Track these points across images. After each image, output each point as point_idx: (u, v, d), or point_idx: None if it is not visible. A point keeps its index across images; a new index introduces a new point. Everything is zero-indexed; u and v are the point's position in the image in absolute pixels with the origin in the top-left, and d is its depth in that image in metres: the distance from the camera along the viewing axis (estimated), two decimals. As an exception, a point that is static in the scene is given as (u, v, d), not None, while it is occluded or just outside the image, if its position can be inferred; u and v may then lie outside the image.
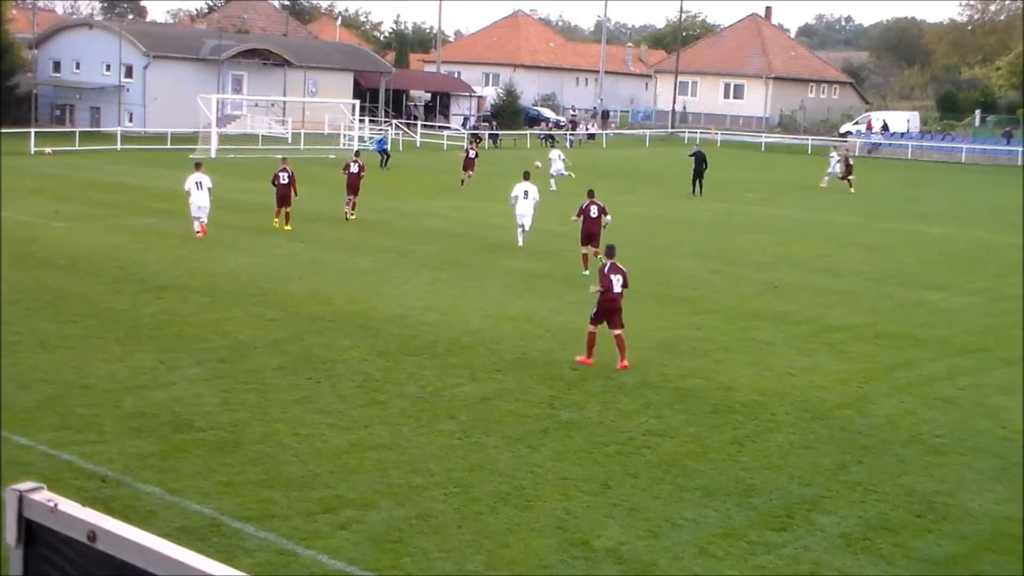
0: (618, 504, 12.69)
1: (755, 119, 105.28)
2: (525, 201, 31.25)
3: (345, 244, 30.79)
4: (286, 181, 32.97)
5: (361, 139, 65.84)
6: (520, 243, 31.46)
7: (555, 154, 51.10)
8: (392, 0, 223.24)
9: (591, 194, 28.41)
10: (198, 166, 32.68)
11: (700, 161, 49.73)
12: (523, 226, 31.40)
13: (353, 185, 36.23)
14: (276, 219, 33.24)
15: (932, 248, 35.70)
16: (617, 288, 18.72)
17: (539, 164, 47.33)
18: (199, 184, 31.19)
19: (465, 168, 49.98)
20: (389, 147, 58.39)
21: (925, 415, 16.80)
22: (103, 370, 17.18)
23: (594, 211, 27.76)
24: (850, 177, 54.65)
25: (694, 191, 49.13)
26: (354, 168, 36.53)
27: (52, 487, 3.26)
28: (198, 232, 31.15)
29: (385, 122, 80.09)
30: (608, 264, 19.02)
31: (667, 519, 12.35)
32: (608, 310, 18.71)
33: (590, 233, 27.69)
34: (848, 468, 14.29)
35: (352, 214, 36.15)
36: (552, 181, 48.14)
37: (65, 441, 13.87)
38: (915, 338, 22.13)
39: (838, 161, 56.00)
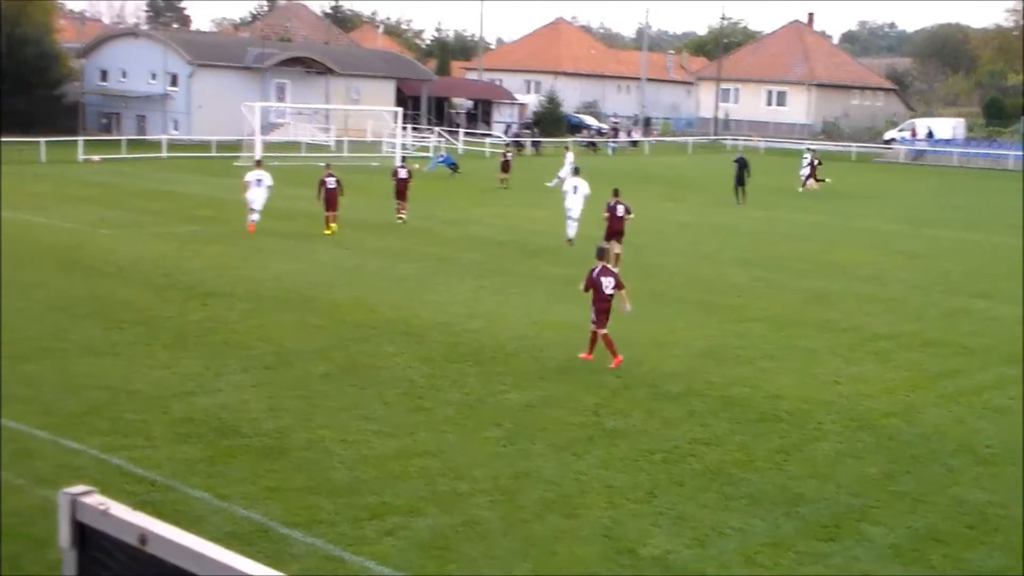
0: (664, 512, 12.64)
1: (798, 126, 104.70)
2: (574, 196, 33.24)
3: (388, 251, 30.89)
4: (334, 186, 33.66)
5: (404, 147, 66.08)
6: (570, 235, 32.99)
7: (569, 157, 51.45)
8: (432, 0, 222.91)
9: (616, 193, 29.93)
10: (259, 163, 34.91)
11: (743, 168, 49.47)
12: (572, 220, 33.10)
13: (401, 191, 37.15)
14: (326, 229, 33.53)
15: (978, 255, 35.34)
16: (608, 290, 19.21)
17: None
18: (259, 181, 33.10)
19: (503, 171, 52.41)
20: (453, 159, 58.35)
21: (974, 425, 16.63)
22: (150, 376, 17.33)
23: (620, 210, 29.39)
24: (816, 179, 56.19)
25: (737, 199, 48.86)
26: (402, 174, 37.56)
27: (103, 491, 3.29)
28: (251, 227, 32.88)
29: (427, 129, 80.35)
30: (599, 267, 19.49)
31: (713, 528, 12.29)
32: (601, 310, 19.21)
33: (615, 230, 29.16)
34: (896, 478, 14.16)
35: (403, 217, 36.89)
36: (556, 180, 48.64)
37: (115, 446, 14.00)
38: (962, 346, 21.90)
39: (809, 163, 56.96)
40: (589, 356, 19.31)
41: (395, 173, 37.96)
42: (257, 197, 33.08)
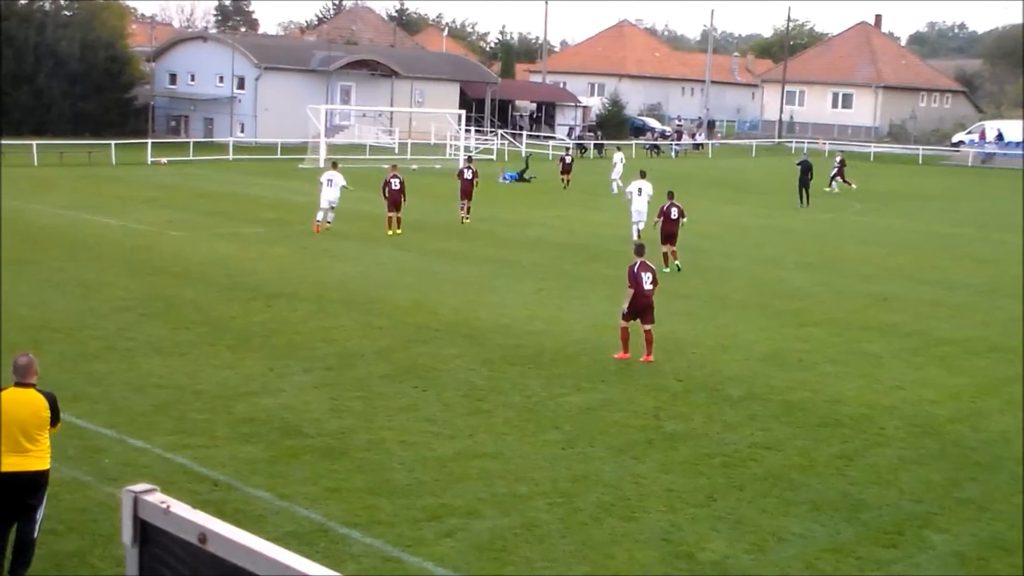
0: (723, 517, 12.58)
1: (864, 129, 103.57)
2: (639, 198, 33.82)
3: (450, 253, 31.02)
4: (398, 187, 34.26)
5: (467, 149, 66.24)
6: (635, 238, 32.95)
7: (618, 157, 51.71)
8: (497, 0, 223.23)
9: (671, 195, 29.77)
10: (335, 165, 36.15)
11: (806, 171, 49.01)
12: (638, 222, 33.71)
13: (466, 191, 37.76)
14: (389, 229, 34.12)
15: (1049, 260, 34.70)
16: (647, 285, 19.57)
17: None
18: (330, 181, 34.19)
19: (563, 172, 53.22)
20: (521, 170, 57.77)
21: (1041, 432, 16.34)
22: (215, 376, 17.55)
23: (674, 213, 29.25)
24: (844, 180, 55.74)
25: (801, 202, 48.39)
26: (467, 174, 38.14)
27: (167, 490, 3.35)
28: (316, 228, 33.86)
29: (491, 132, 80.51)
30: (637, 263, 19.77)
31: (773, 533, 12.22)
32: (640, 306, 19.51)
33: (669, 233, 29.19)
34: (961, 485, 13.98)
35: (467, 218, 37.56)
36: (614, 184, 49.27)
37: (179, 445, 14.20)
38: (1031, 353, 21.52)
39: (839, 163, 57.06)
40: (626, 355, 19.54)
41: (460, 173, 38.59)
42: (328, 196, 33.96)
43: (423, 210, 38.92)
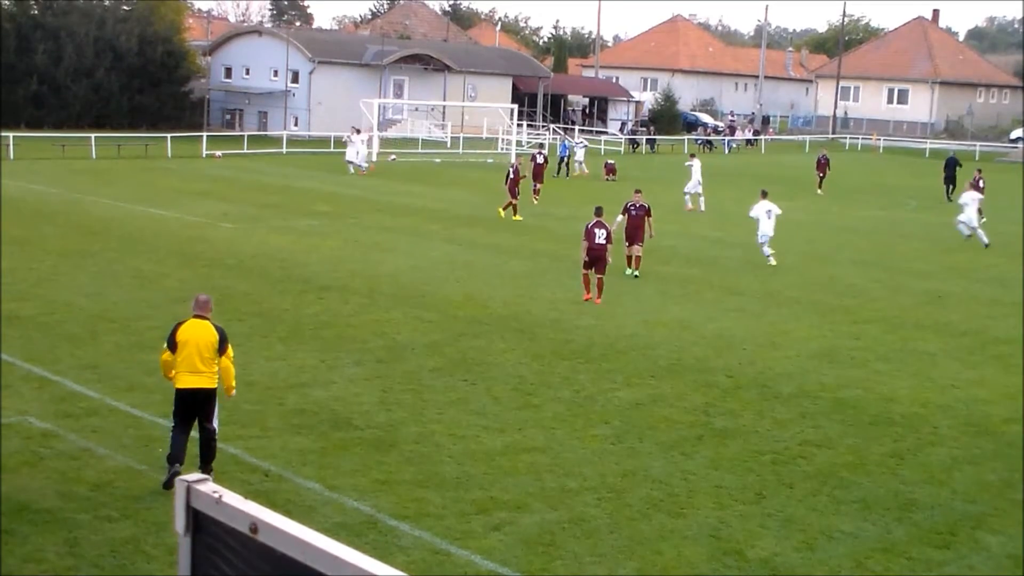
0: (772, 514, 12.52)
1: (919, 125, 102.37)
2: (768, 221, 30.09)
3: (500, 248, 31.04)
4: (513, 176, 37.25)
5: (519, 143, 66.19)
6: (767, 255, 29.94)
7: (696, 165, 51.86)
8: (550, 0, 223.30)
9: (637, 192, 28.51)
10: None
11: (953, 167, 50.90)
12: (763, 244, 30.16)
13: (538, 174, 42.56)
14: (503, 210, 37.11)
15: (1109, 259, 34.12)
16: (600, 240, 23.30)
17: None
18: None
19: (608, 172, 54.90)
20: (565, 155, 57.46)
21: (1099, 433, 16.09)
22: (267, 367, 17.69)
23: (634, 211, 27.32)
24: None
25: (948, 197, 49.50)
26: (540, 159, 43.33)
27: (218, 479, 3.40)
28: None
29: (543, 127, 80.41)
30: (593, 221, 23.70)
31: (823, 531, 12.14)
32: (595, 257, 23.35)
33: (633, 232, 27.11)
34: (1016, 486, 13.80)
35: (537, 199, 41.41)
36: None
37: (231, 435, 14.32)
38: (1089, 353, 21.20)
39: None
40: (588, 296, 23.50)
41: (533, 159, 43.14)
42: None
43: (473, 204, 38.99)
